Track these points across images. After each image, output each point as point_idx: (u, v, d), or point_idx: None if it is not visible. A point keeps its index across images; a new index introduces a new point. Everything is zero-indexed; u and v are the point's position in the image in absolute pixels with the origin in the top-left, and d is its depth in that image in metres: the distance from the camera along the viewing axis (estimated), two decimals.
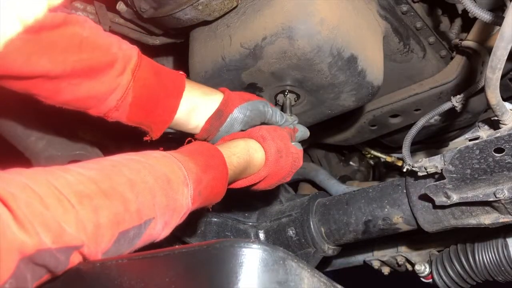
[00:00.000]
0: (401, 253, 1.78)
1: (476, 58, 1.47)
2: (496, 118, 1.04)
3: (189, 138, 1.15)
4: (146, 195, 0.76)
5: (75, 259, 0.65)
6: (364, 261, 1.93)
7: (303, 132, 1.29)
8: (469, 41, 1.44)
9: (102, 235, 0.67)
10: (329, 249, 1.52)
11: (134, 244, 0.76)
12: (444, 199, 1.15)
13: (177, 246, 0.64)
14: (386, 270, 1.90)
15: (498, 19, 1.00)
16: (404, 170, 1.23)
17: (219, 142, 1.14)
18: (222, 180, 0.98)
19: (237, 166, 1.04)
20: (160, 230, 0.81)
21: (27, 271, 0.58)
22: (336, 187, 1.89)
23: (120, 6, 1.28)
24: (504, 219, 1.15)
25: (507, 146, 1.00)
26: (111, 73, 1.00)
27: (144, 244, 0.79)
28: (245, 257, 0.58)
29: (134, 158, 0.82)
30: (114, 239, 0.70)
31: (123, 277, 0.61)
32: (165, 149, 0.94)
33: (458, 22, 1.55)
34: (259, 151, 1.12)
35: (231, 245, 0.59)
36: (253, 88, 1.31)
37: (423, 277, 1.69)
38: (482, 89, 1.03)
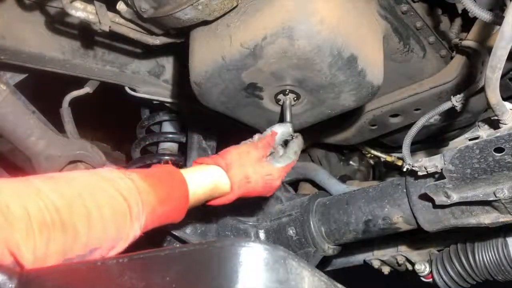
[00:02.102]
0: (401, 253, 1.78)
1: (476, 57, 1.48)
2: (496, 117, 1.04)
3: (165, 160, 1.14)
4: (99, 228, 0.83)
5: None
6: (364, 261, 1.93)
7: (295, 148, 1.26)
8: (469, 41, 1.44)
9: (47, 262, 0.75)
10: (329, 248, 1.52)
11: None
12: (444, 198, 1.15)
13: (177, 246, 0.65)
14: (386, 270, 1.90)
15: (498, 19, 1.00)
16: (404, 169, 1.23)
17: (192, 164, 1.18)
18: (180, 211, 1.04)
19: (201, 194, 1.10)
20: (105, 253, 0.87)
21: None
22: (336, 187, 1.89)
23: (120, 6, 1.28)
24: (504, 218, 1.15)
25: (507, 146, 1.00)
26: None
27: None
28: (245, 256, 0.58)
29: (104, 186, 0.88)
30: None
31: (124, 276, 0.61)
32: None
33: (458, 21, 1.55)
34: (225, 179, 1.14)
35: (231, 244, 0.59)
36: (253, 88, 1.31)
37: (423, 276, 1.70)
38: (482, 89, 1.03)
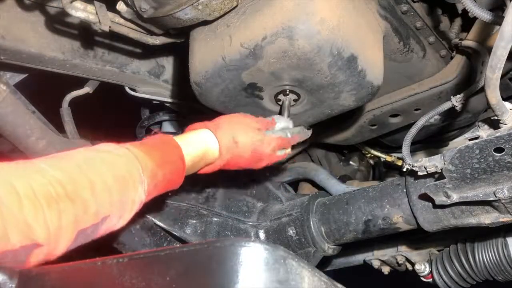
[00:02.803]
0: (401, 253, 1.78)
1: (476, 57, 1.48)
2: (496, 117, 1.04)
3: (156, 130, 1.18)
4: (104, 195, 0.86)
5: (33, 259, 0.73)
6: (364, 261, 1.93)
7: (296, 130, 1.28)
8: (469, 41, 1.44)
9: (62, 235, 0.77)
10: (329, 248, 1.52)
11: (91, 238, 0.86)
12: (444, 198, 1.15)
13: (177, 245, 0.65)
14: (386, 270, 1.90)
15: (498, 19, 1.00)
16: (404, 169, 1.23)
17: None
18: (178, 173, 1.07)
19: (195, 157, 1.12)
20: (115, 222, 0.91)
21: None
22: (336, 187, 1.89)
23: (120, 6, 1.28)
24: (504, 218, 1.15)
25: (507, 146, 1.00)
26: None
27: (101, 235, 0.89)
28: (246, 256, 0.58)
29: (101, 156, 0.92)
30: (73, 238, 0.80)
31: (124, 276, 0.61)
32: None
33: (458, 21, 1.55)
34: (215, 143, 1.16)
35: (231, 244, 0.59)
36: (253, 88, 1.31)
37: (423, 276, 1.70)
38: (482, 89, 1.03)
